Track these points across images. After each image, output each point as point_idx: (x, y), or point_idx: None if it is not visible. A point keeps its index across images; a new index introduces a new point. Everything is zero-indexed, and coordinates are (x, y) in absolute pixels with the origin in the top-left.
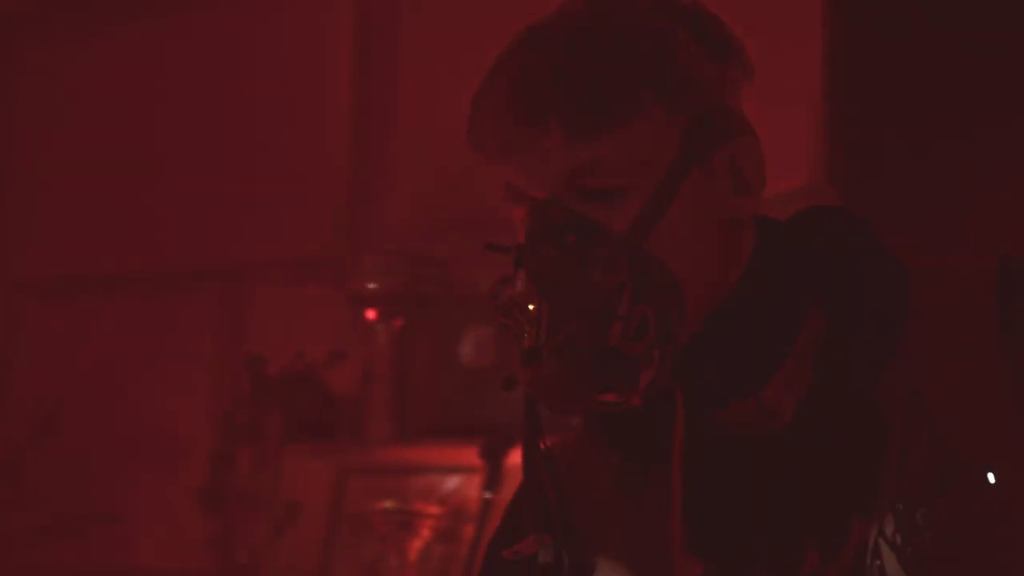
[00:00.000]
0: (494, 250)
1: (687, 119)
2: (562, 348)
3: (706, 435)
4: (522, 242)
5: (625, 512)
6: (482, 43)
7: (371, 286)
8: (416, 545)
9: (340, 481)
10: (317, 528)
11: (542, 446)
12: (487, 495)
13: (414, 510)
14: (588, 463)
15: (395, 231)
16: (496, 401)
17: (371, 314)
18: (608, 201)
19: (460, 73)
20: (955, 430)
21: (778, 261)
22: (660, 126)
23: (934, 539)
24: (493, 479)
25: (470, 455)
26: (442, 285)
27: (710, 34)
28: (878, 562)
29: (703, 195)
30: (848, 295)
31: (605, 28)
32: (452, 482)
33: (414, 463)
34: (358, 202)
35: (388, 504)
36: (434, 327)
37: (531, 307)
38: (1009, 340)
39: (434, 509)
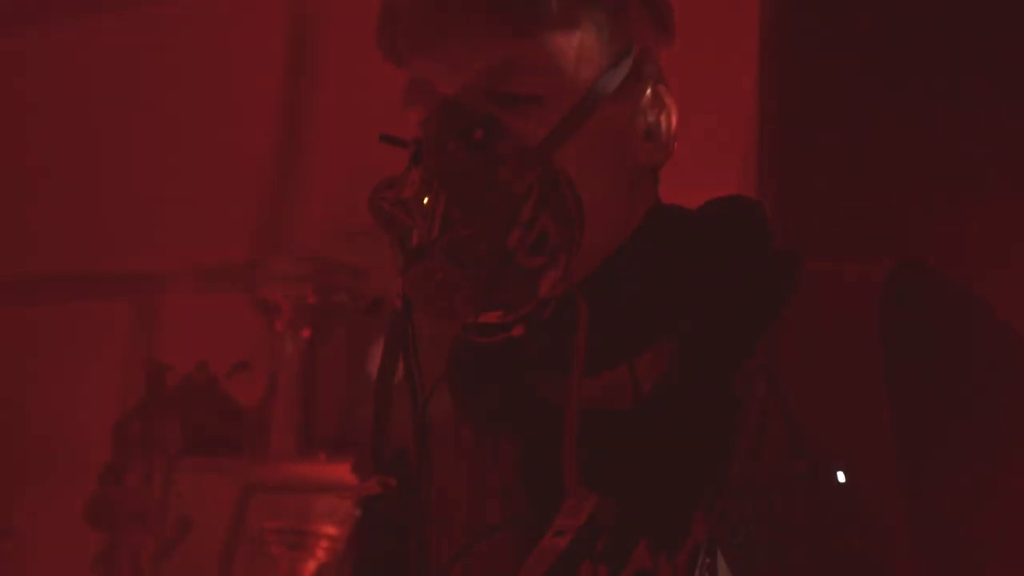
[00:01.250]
0: (390, 142)
1: (616, 44)
2: (456, 246)
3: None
4: (422, 137)
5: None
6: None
7: (279, 293)
8: (311, 567)
9: (241, 498)
10: (214, 547)
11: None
12: (358, 513)
13: (310, 530)
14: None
15: (310, 239)
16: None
17: (279, 324)
18: (522, 108)
19: (382, 83)
20: (814, 431)
21: (670, 230)
22: (588, 42)
23: (767, 535)
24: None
25: None
26: (354, 295)
27: None
28: (708, 560)
29: (617, 124)
30: (725, 278)
31: None
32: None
33: (319, 481)
34: (274, 209)
35: (283, 523)
36: (344, 338)
37: (425, 200)
38: (887, 350)
39: (332, 530)
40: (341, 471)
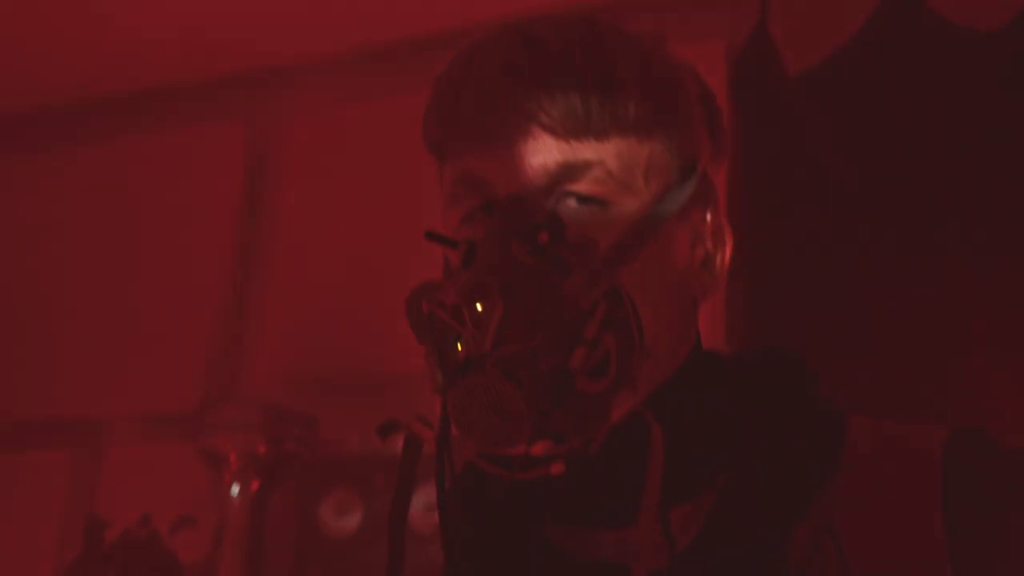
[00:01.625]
0: (437, 240)
1: (682, 160)
2: (514, 361)
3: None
4: (476, 238)
5: None
6: (359, 208)
7: (226, 443)
8: None
9: None
10: None
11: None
12: None
13: None
14: None
15: (260, 387)
16: (360, 571)
17: (226, 474)
18: (588, 211)
19: (336, 234)
20: None
21: (712, 377)
22: (658, 152)
23: None
24: None
25: None
26: (305, 444)
27: (710, 101)
28: None
29: (678, 247)
30: (770, 432)
31: (617, 38)
32: None
33: None
34: (223, 357)
35: None
36: (294, 490)
37: (479, 307)
38: (951, 521)
39: None
40: None
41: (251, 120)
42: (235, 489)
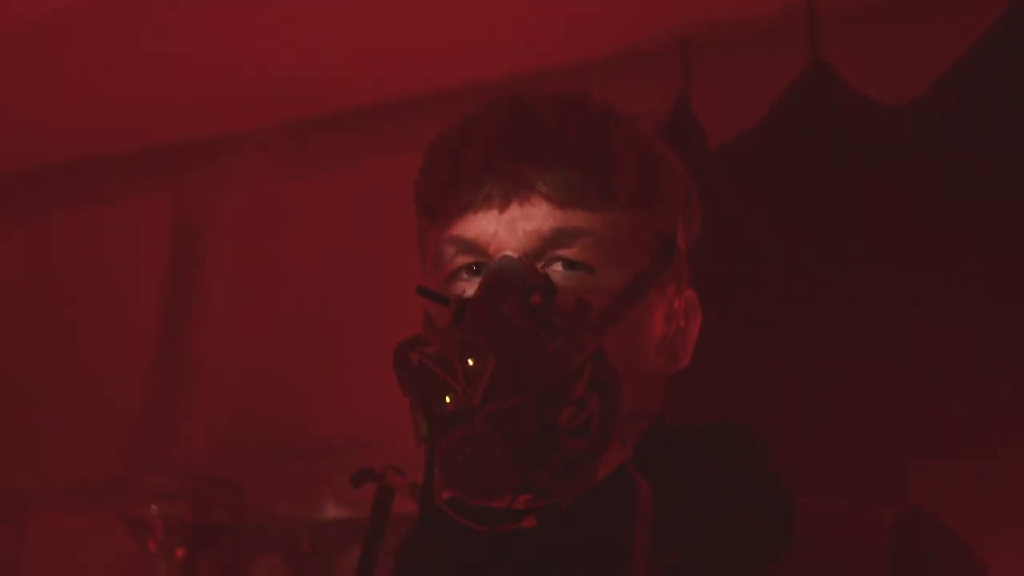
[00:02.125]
0: (428, 296)
1: (662, 237)
2: (503, 417)
3: None
4: (467, 296)
5: None
6: (285, 279)
7: (152, 511)
8: None
9: None
10: None
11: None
12: None
13: None
14: None
15: (186, 456)
16: None
17: (151, 543)
18: (576, 276)
19: (261, 305)
20: None
21: (671, 452)
22: (637, 228)
23: None
24: None
25: None
26: (231, 512)
27: (687, 183)
28: None
29: (654, 319)
30: (730, 511)
31: (609, 117)
32: None
33: None
34: (149, 425)
35: None
36: (221, 558)
37: (470, 362)
38: None
39: None
40: None
41: (179, 192)
42: (161, 558)
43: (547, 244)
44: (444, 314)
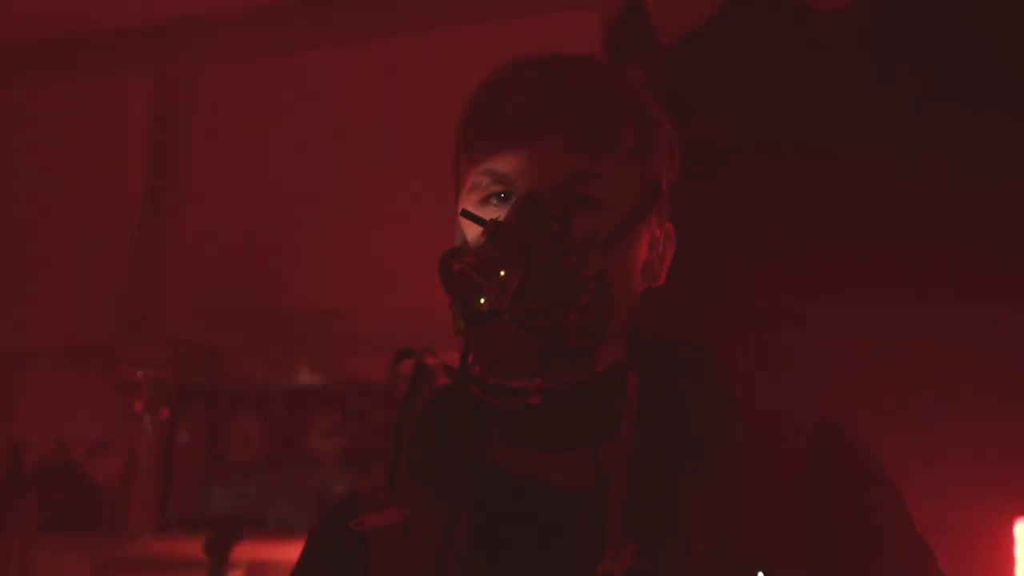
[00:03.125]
0: (470, 218)
1: (653, 176)
2: (528, 316)
3: (526, 478)
4: (499, 219)
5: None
6: (269, 144)
7: (138, 374)
8: None
9: (100, 574)
10: None
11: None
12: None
13: None
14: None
15: (171, 322)
16: (261, 495)
17: (138, 404)
18: (586, 208)
19: (246, 170)
20: (744, 537)
21: (649, 358)
22: (634, 172)
23: None
24: (216, 574)
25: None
26: (211, 376)
27: (674, 134)
28: None
29: (642, 246)
30: (684, 407)
31: (619, 78)
32: None
33: (174, 557)
34: (136, 292)
35: None
36: (201, 418)
37: (502, 273)
38: (810, 486)
39: None
40: (197, 548)
41: (161, 68)
42: (146, 418)
43: (565, 181)
44: (480, 233)
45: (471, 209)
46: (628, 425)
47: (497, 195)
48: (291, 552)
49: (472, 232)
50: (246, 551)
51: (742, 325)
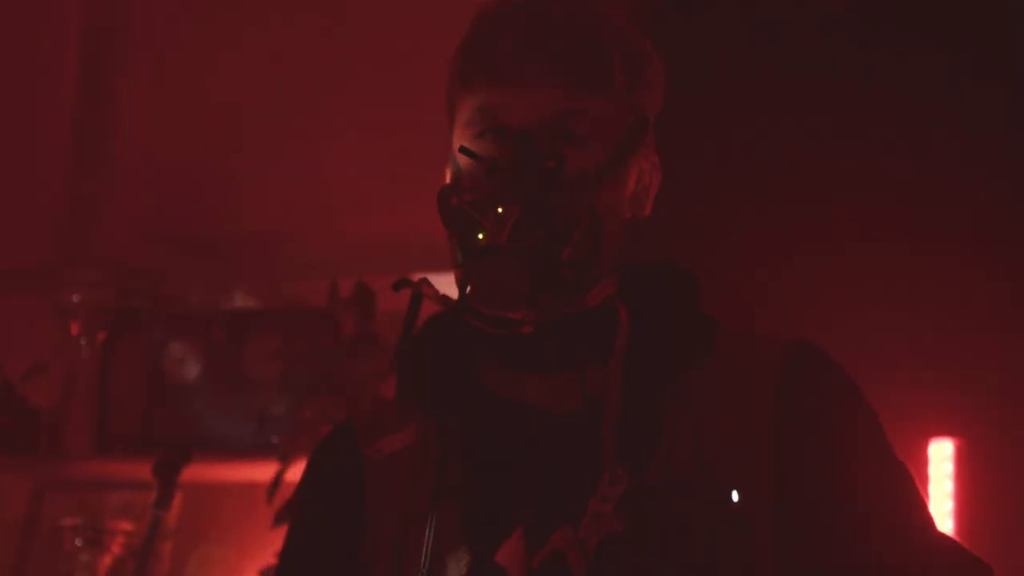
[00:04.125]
0: (468, 155)
1: (640, 110)
2: (524, 251)
3: (513, 399)
4: (496, 155)
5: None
6: (209, 60)
7: (75, 298)
8: (106, 562)
9: (37, 496)
10: (10, 543)
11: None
12: (157, 512)
13: (104, 526)
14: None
15: (110, 245)
16: (201, 418)
17: (75, 327)
18: (578, 144)
19: (184, 87)
20: (716, 455)
21: (634, 286)
22: (623, 109)
23: (670, 529)
24: (164, 496)
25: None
26: (149, 299)
27: (660, 72)
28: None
29: (630, 178)
30: (667, 327)
31: (609, 15)
32: (151, 499)
33: (114, 479)
34: (74, 215)
35: (77, 520)
36: (139, 342)
37: (500, 210)
38: (779, 405)
39: (126, 525)
40: (137, 469)
41: None
42: (84, 341)
43: (557, 118)
44: (478, 168)
45: (466, 144)
46: (620, 355)
47: (492, 130)
48: (231, 473)
49: (468, 166)
50: (187, 473)
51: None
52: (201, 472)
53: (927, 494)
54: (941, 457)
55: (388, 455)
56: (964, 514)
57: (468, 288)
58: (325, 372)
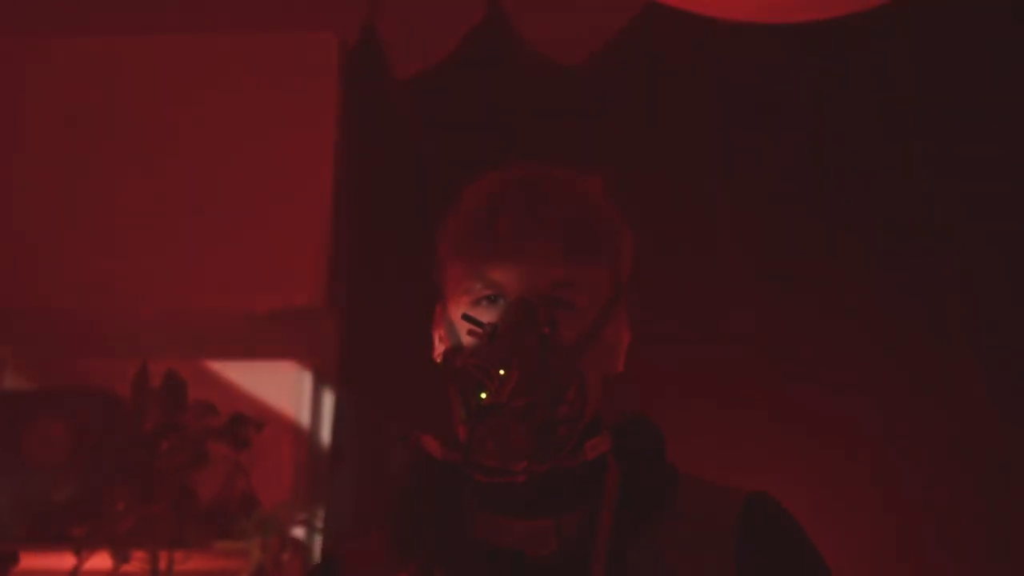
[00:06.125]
0: (471, 322)
1: (616, 278)
2: (524, 411)
3: (492, 543)
4: (496, 323)
5: None
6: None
7: None
8: None
9: None
10: None
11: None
12: None
13: None
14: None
15: None
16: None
17: None
18: (568, 310)
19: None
20: None
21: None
22: (604, 278)
23: None
24: None
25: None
26: None
27: (630, 240)
28: None
29: (607, 340)
30: (634, 477)
31: (595, 194)
32: None
33: None
34: None
35: None
36: None
37: (502, 372)
38: (739, 551)
39: None
40: None
41: None
42: None
43: (550, 288)
44: (474, 333)
45: (465, 310)
46: (609, 504)
47: (488, 298)
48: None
49: (469, 331)
50: None
51: None
52: None
53: None
54: None
55: None
56: None
57: (472, 442)
58: (122, 461)
